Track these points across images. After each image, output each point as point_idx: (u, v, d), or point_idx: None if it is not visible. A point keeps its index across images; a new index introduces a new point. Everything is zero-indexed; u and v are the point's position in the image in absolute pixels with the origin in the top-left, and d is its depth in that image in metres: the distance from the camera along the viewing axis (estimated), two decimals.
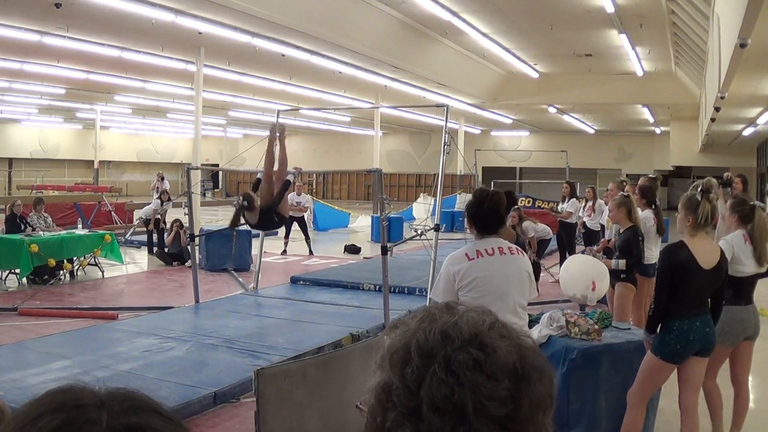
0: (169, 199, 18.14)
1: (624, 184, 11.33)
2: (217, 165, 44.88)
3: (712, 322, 5.06)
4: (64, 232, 14.69)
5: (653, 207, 8.48)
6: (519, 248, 4.64)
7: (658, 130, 38.64)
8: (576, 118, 34.45)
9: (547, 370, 1.00)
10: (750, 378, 8.48)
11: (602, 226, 12.81)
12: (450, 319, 1.01)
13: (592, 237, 13.02)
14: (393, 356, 1.00)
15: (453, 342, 0.97)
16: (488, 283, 4.33)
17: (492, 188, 4.96)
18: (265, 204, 8.86)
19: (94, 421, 0.83)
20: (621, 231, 7.72)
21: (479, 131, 42.19)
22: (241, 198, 8.74)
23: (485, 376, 0.94)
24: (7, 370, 7.24)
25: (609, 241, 8.72)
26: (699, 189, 5.02)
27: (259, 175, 10.56)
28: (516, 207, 12.54)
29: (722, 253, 5.03)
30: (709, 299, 5.10)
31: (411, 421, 0.95)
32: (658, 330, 5.04)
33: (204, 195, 39.66)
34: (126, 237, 19.20)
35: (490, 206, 4.48)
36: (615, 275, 7.53)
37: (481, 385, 0.93)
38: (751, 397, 7.86)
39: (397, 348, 1.00)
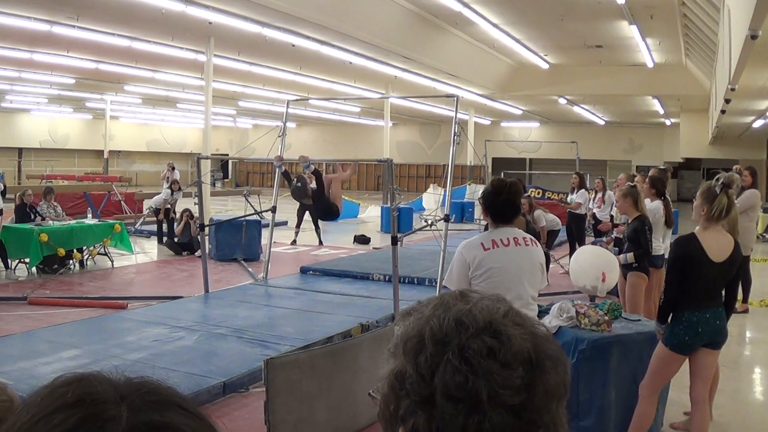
0: (179, 189, 18.16)
1: (634, 177, 11.31)
2: (227, 155, 44.86)
3: (724, 315, 5.05)
4: (74, 221, 14.73)
5: (663, 198, 8.46)
6: (533, 238, 4.61)
7: (668, 122, 38.51)
8: (586, 110, 34.36)
9: (561, 358, 0.99)
10: (759, 370, 8.51)
11: (612, 217, 12.82)
12: (464, 306, 1.01)
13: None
14: (406, 344, 0.99)
15: (467, 329, 0.96)
16: (502, 275, 4.31)
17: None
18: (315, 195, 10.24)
19: (113, 419, 0.78)
20: (629, 221, 7.71)
21: (489, 122, 42.11)
22: (295, 179, 10.25)
23: (499, 364, 0.93)
24: (17, 359, 7.28)
25: (617, 226, 8.69)
26: (720, 182, 4.99)
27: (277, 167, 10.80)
28: (526, 195, 12.42)
29: (736, 246, 5.00)
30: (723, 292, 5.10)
31: (424, 409, 0.95)
32: (669, 320, 5.04)
33: (214, 185, 39.67)
34: (136, 227, 19.25)
35: (508, 197, 4.46)
36: (626, 265, 7.52)
37: (495, 373, 0.93)
38: (759, 389, 7.88)
39: (411, 335, 1.00)
